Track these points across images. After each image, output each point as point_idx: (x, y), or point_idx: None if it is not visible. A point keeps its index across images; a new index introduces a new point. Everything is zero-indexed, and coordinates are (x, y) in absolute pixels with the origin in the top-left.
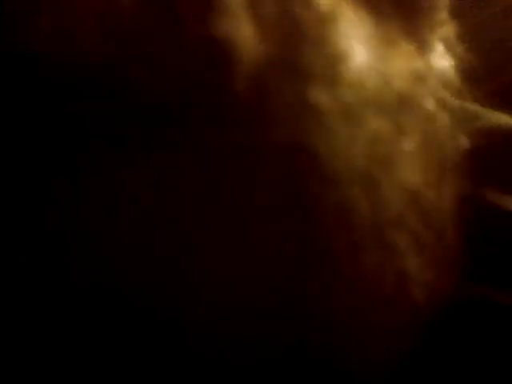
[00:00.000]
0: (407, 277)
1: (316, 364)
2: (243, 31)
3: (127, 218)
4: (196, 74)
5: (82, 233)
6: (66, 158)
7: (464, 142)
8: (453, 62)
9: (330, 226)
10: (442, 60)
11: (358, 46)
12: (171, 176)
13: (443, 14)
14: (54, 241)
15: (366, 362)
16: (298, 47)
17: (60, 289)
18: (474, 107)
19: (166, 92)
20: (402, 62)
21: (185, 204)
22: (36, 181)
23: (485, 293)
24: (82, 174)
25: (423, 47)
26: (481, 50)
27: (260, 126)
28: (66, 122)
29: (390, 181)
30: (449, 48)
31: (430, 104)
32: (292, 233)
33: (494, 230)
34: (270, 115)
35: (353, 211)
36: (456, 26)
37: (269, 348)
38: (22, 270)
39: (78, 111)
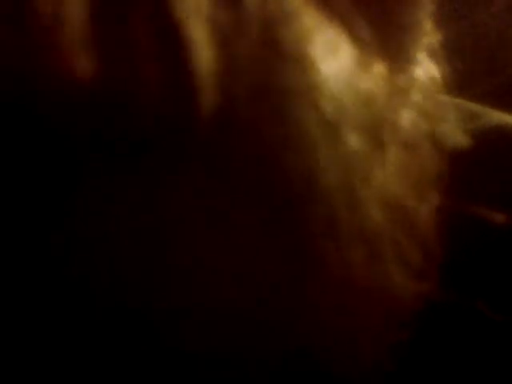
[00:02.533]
0: (391, 286)
1: (305, 368)
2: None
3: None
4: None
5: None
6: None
7: (449, 153)
8: (438, 73)
9: (316, 234)
10: (426, 71)
11: (335, 64)
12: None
13: (428, 24)
14: (55, 251)
15: (354, 368)
16: (274, 69)
17: (59, 293)
18: (470, 106)
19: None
20: (381, 79)
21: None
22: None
23: (465, 301)
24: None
25: (405, 60)
26: (470, 57)
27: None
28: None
29: (371, 195)
30: (434, 58)
31: (411, 118)
32: (280, 243)
33: (476, 241)
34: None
35: (337, 222)
36: (443, 34)
37: (259, 352)
38: (22, 274)
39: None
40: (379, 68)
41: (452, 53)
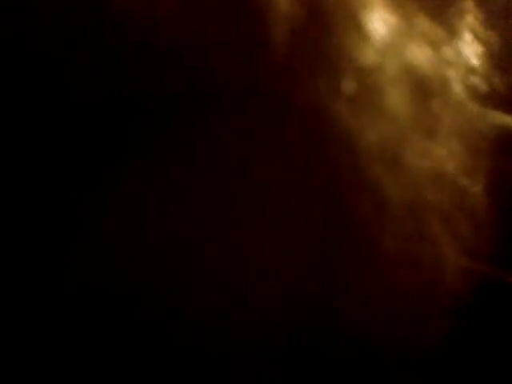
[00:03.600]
0: (443, 263)
1: (354, 350)
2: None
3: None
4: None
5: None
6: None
7: (496, 126)
8: (481, 49)
9: (355, 203)
10: (470, 46)
11: (384, 29)
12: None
13: (469, 2)
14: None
15: (405, 345)
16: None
17: (62, 288)
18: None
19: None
20: (430, 48)
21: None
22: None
23: None
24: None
25: (451, 33)
26: (504, 37)
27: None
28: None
29: (421, 166)
30: (476, 35)
31: (459, 89)
32: (315, 207)
33: None
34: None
35: (382, 193)
36: (482, 12)
37: (299, 332)
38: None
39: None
40: (429, 34)
41: (491, 32)
